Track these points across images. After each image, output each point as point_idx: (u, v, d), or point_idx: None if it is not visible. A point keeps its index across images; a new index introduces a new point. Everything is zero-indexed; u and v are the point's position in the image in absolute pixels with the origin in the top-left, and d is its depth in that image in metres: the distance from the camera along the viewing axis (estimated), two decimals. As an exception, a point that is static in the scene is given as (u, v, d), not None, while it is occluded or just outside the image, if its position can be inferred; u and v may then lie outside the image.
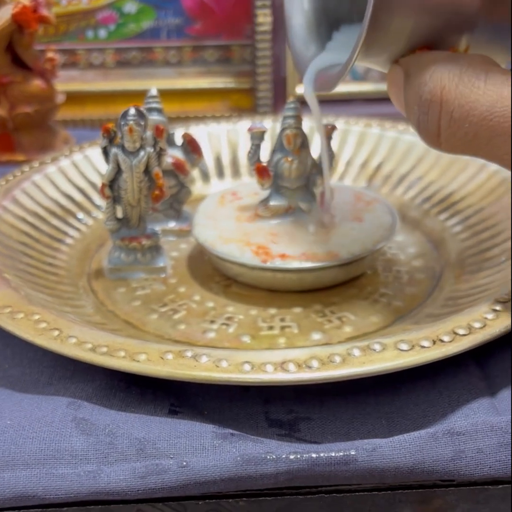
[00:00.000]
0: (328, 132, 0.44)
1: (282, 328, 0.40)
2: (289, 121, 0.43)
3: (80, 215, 0.51)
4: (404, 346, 0.32)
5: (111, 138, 0.42)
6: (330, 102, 0.63)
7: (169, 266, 0.46)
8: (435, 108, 0.27)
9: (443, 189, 0.52)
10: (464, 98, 0.27)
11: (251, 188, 0.48)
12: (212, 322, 0.41)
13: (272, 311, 0.42)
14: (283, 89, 0.69)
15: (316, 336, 0.39)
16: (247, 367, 0.32)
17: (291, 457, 0.30)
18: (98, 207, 0.51)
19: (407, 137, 0.56)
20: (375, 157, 0.56)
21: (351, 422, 0.34)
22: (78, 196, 0.52)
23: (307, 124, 0.45)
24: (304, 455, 0.30)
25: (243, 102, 0.73)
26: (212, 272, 0.45)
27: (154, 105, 0.47)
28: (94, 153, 0.54)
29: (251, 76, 0.72)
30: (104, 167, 0.52)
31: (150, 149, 0.42)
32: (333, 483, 0.31)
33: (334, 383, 0.32)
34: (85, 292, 0.44)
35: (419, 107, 0.28)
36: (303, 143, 0.44)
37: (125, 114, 0.41)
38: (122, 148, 0.42)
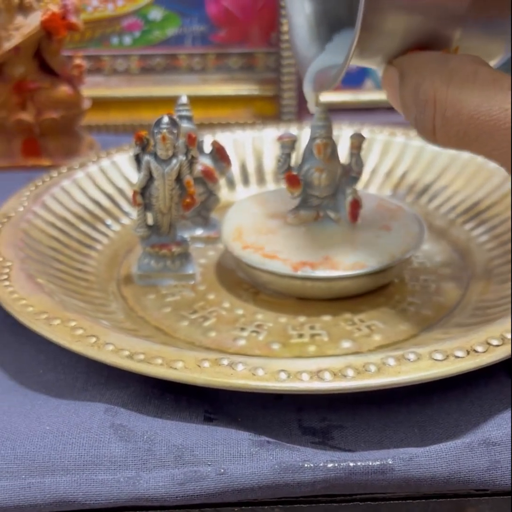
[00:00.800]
0: (356, 142, 0.44)
1: (312, 336, 0.40)
2: (319, 130, 0.44)
3: (108, 221, 0.51)
4: (439, 356, 0.33)
5: (143, 145, 0.42)
6: (354, 111, 0.64)
7: (198, 273, 0.46)
8: (430, 107, 0.29)
9: (469, 198, 0.52)
10: (455, 98, 0.28)
11: (278, 195, 0.48)
12: (242, 329, 0.41)
13: (301, 319, 0.42)
14: (307, 97, 0.69)
15: (346, 344, 0.40)
16: (283, 375, 0.32)
17: (329, 465, 0.30)
18: (126, 213, 0.52)
19: (431, 146, 0.56)
20: (400, 166, 0.56)
21: (383, 430, 0.34)
22: (105, 202, 0.52)
23: (345, 133, 0.46)
24: (342, 464, 0.30)
25: (266, 109, 0.73)
26: (240, 279, 0.46)
27: (184, 113, 0.47)
28: (122, 159, 0.55)
29: (275, 83, 0.73)
30: (132, 173, 0.54)
31: (182, 157, 0.42)
32: (369, 491, 0.31)
33: (366, 392, 0.33)
34: (115, 298, 0.44)
35: (416, 106, 0.30)
36: (333, 152, 0.44)
37: (158, 122, 0.42)
38: (155, 155, 0.42)
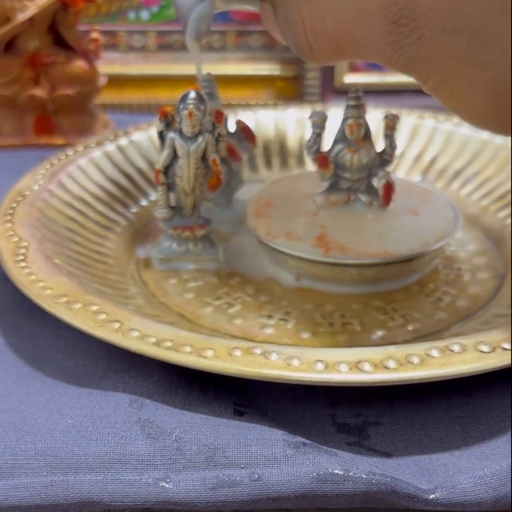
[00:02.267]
0: (391, 123, 0.42)
1: (343, 324, 0.38)
2: (351, 110, 0.42)
3: (127, 201, 0.49)
4: (485, 348, 0.31)
5: (168, 122, 0.40)
6: (380, 93, 0.62)
7: (221, 257, 0.44)
8: (300, 28, 0.29)
9: (501, 185, 0.50)
10: (317, 11, 0.28)
11: (306, 177, 0.46)
12: (269, 317, 0.39)
13: (330, 307, 0.40)
14: (331, 78, 0.67)
15: (379, 334, 0.38)
16: (320, 366, 0.30)
17: (372, 479, 0.28)
18: (145, 194, 0.50)
19: (462, 130, 0.54)
20: (429, 150, 0.54)
21: (422, 427, 0.32)
22: (124, 182, 0.50)
23: (371, 115, 0.44)
24: (384, 479, 0.28)
25: (287, 90, 0.71)
26: (265, 264, 0.44)
27: (208, 90, 0.45)
28: (140, 137, 0.53)
29: (297, 63, 0.70)
30: (150, 153, 0.52)
31: (208, 135, 0.40)
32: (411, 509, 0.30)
33: (403, 384, 0.31)
34: (135, 283, 0.42)
35: (290, 31, 0.30)
36: (366, 134, 0.42)
37: (184, 98, 0.39)
38: (180, 133, 0.40)
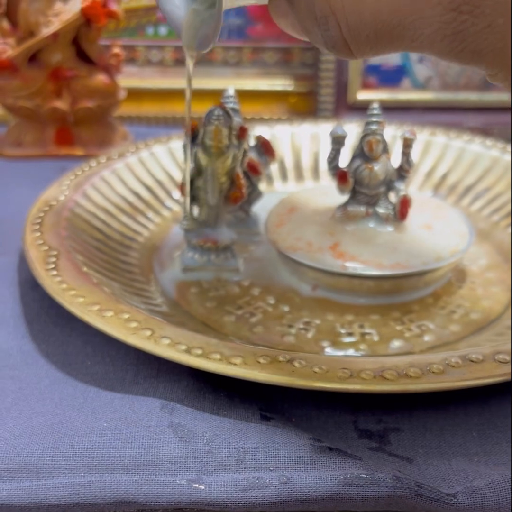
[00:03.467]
0: (408, 141, 0.44)
1: (362, 335, 0.40)
2: (371, 127, 0.43)
3: (148, 212, 0.50)
4: (504, 357, 0.32)
5: (194, 136, 0.42)
6: (392, 109, 0.63)
7: (242, 267, 0.45)
8: (332, 22, 0.26)
9: (512, 201, 0.51)
10: (351, 3, 0.25)
11: (324, 191, 0.48)
12: (289, 326, 0.40)
13: (349, 317, 0.41)
14: (344, 94, 0.69)
15: (397, 344, 0.39)
16: (345, 374, 0.31)
17: (396, 483, 0.29)
18: (164, 206, 0.51)
19: (473, 147, 0.55)
20: (440, 166, 0.56)
21: (441, 433, 0.33)
22: (145, 194, 0.51)
23: (388, 132, 0.45)
24: (408, 483, 0.29)
25: (301, 105, 0.73)
26: (284, 275, 0.45)
27: (231, 105, 0.46)
28: (160, 150, 0.54)
29: (311, 79, 0.72)
30: (170, 165, 0.53)
31: (234, 150, 0.41)
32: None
33: (422, 392, 0.32)
34: (158, 291, 0.44)
35: (318, 27, 0.27)
36: (384, 150, 0.44)
37: (210, 114, 0.41)
38: (203, 147, 0.42)
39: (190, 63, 0.36)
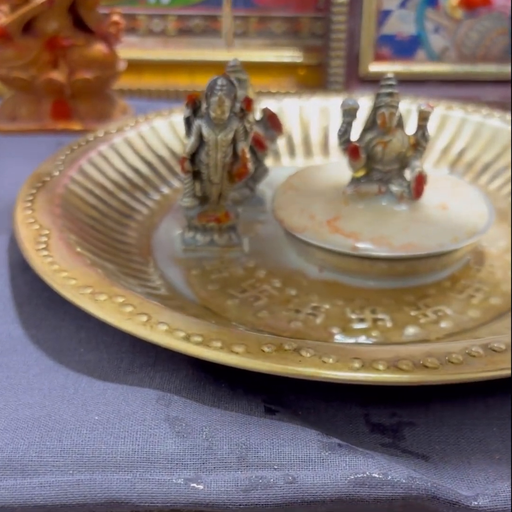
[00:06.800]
0: (425, 114, 0.41)
1: (374, 320, 0.37)
2: (384, 98, 0.40)
3: (148, 189, 0.48)
4: (528, 347, 0.29)
5: (195, 108, 0.39)
6: (406, 82, 0.60)
7: (247, 248, 0.43)
8: None
9: (533, 179, 0.49)
10: None
11: (331, 168, 0.45)
12: (297, 311, 0.38)
13: (360, 301, 0.39)
14: (356, 66, 0.65)
15: (412, 331, 0.36)
16: (357, 364, 0.29)
17: (411, 484, 0.27)
18: (166, 182, 0.49)
19: (492, 122, 0.52)
20: (457, 142, 0.53)
21: (459, 429, 0.31)
22: (145, 169, 0.49)
23: (402, 106, 0.42)
24: (424, 484, 0.27)
25: (310, 79, 0.70)
26: (291, 256, 0.43)
27: (237, 76, 0.43)
28: (161, 124, 0.51)
29: (321, 51, 0.69)
30: (172, 140, 0.51)
31: (238, 123, 0.39)
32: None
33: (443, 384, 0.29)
34: (157, 273, 0.41)
35: None
36: (399, 123, 0.41)
37: (213, 84, 0.38)
38: (207, 119, 0.39)
39: None
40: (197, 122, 0.39)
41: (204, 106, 0.39)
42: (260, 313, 0.38)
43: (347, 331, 0.37)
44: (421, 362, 0.29)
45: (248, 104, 0.39)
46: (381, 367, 0.29)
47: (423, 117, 0.41)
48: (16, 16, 0.55)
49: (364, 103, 0.52)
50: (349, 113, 0.41)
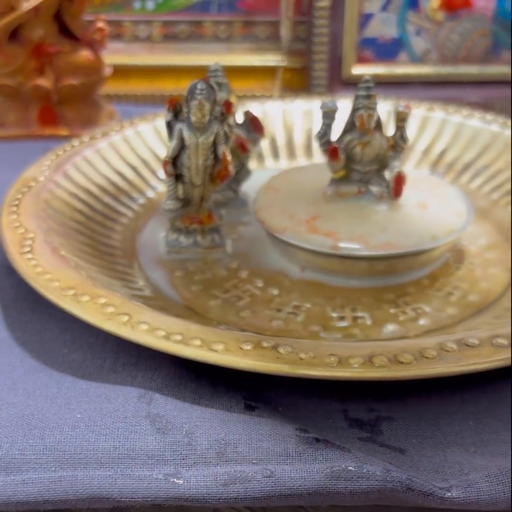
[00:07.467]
0: (403, 115, 0.42)
1: (354, 319, 0.38)
2: (363, 100, 0.41)
3: (132, 193, 0.48)
4: (502, 341, 0.30)
5: (176, 112, 0.40)
6: (388, 84, 0.61)
7: (229, 249, 0.43)
8: None
9: (512, 178, 0.49)
10: None
11: (313, 169, 0.46)
12: (278, 310, 0.39)
13: (341, 300, 0.39)
14: (338, 69, 0.66)
15: (391, 328, 0.37)
16: (333, 360, 0.29)
17: (386, 476, 0.28)
18: (150, 186, 0.49)
19: (472, 122, 0.53)
20: (438, 143, 0.54)
21: (436, 423, 0.31)
22: (130, 174, 0.49)
23: (384, 108, 0.43)
24: (399, 477, 0.28)
25: (294, 82, 0.70)
26: (273, 257, 0.43)
27: (218, 80, 0.44)
28: (146, 128, 0.52)
29: (304, 54, 0.69)
30: (156, 144, 0.51)
31: (218, 126, 0.39)
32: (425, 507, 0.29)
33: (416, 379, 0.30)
34: (141, 275, 0.42)
35: None
36: (377, 124, 0.42)
37: (193, 88, 0.39)
38: (188, 123, 0.39)
39: None
40: (178, 126, 0.40)
41: (185, 110, 0.39)
42: (242, 313, 0.38)
43: (328, 329, 0.37)
44: (396, 357, 0.29)
45: (228, 107, 0.40)
46: (356, 363, 0.29)
47: (401, 118, 0.42)
48: (1, 24, 0.56)
49: (347, 105, 0.53)
50: (328, 115, 0.41)
